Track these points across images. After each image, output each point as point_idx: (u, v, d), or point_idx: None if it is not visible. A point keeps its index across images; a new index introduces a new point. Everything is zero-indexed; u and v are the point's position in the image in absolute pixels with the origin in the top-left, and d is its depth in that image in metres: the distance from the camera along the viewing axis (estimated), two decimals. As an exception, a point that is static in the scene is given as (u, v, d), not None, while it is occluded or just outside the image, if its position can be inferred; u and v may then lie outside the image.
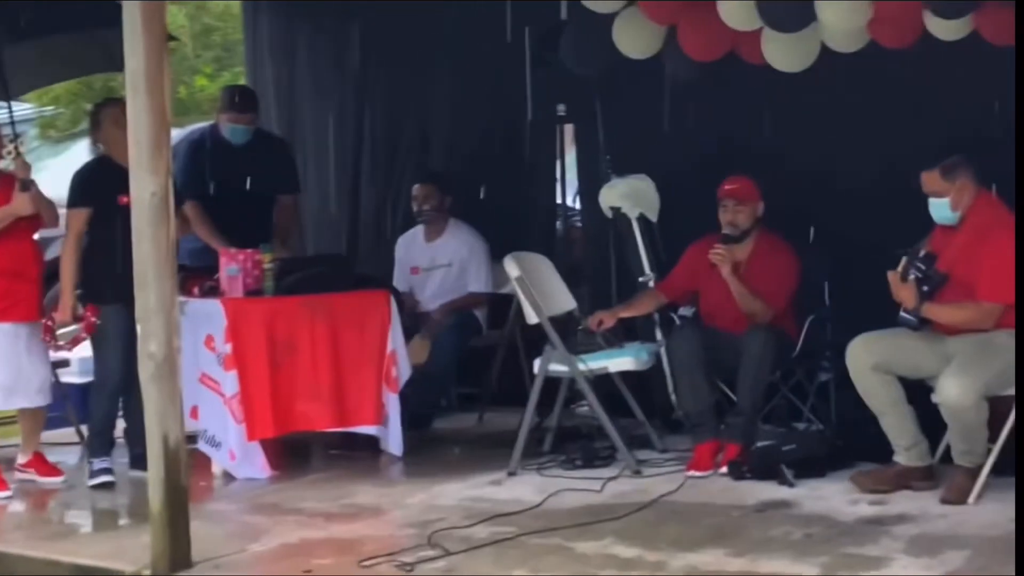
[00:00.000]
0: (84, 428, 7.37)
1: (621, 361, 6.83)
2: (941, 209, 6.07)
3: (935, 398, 5.88)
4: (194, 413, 6.74)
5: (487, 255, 8.05)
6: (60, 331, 7.06)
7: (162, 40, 5.32)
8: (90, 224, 6.78)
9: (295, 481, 6.77)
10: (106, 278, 6.60)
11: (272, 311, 6.89)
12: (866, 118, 7.20)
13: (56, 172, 9.14)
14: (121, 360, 6.61)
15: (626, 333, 7.26)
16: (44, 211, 6.83)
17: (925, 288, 6.01)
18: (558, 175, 8.20)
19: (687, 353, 6.73)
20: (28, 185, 6.79)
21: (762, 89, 7.32)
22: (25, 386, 6.81)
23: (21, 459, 7.00)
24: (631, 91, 7.78)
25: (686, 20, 6.88)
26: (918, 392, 6.10)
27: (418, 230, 8.29)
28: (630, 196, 7.49)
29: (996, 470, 5.92)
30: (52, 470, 6.97)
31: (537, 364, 6.81)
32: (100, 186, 6.72)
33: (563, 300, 7.12)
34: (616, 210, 7.53)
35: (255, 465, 6.79)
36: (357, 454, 7.20)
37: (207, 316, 6.83)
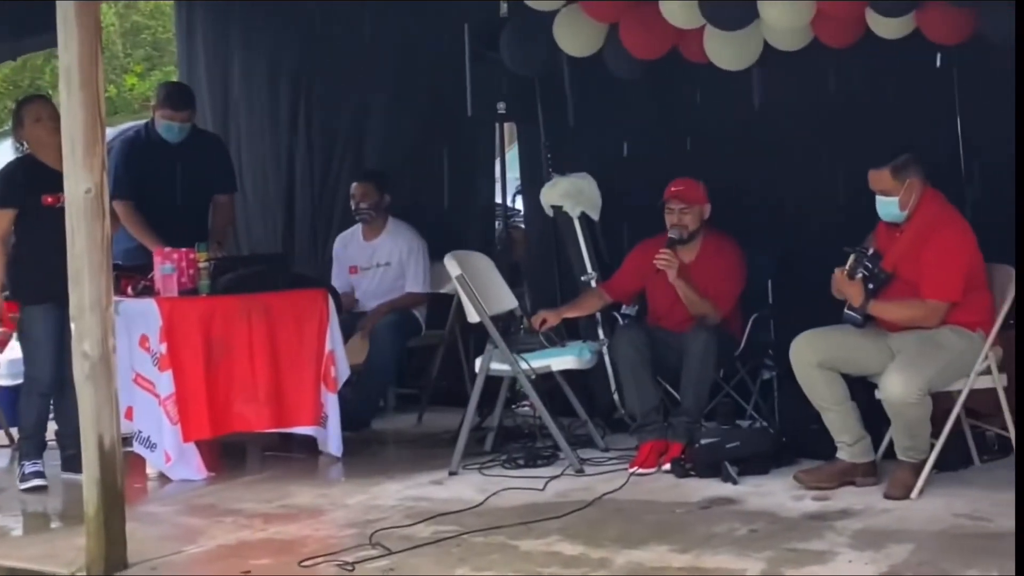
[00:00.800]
0: (14, 431, 7.24)
1: (563, 360, 6.78)
2: (889, 207, 6.07)
3: (879, 394, 5.88)
4: (128, 414, 6.61)
5: (426, 254, 7.98)
6: (-13, 334, 6.94)
7: (96, 35, 5.24)
8: (16, 224, 6.64)
9: (232, 482, 6.66)
10: (35, 278, 6.49)
11: (208, 311, 6.78)
12: (809, 117, 7.20)
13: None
14: (52, 362, 6.53)
15: (569, 332, 7.22)
16: None
17: (871, 286, 6.01)
18: (498, 174, 8.11)
19: (631, 353, 6.70)
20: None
21: (705, 87, 7.31)
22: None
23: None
24: (573, 89, 7.75)
25: (628, 18, 6.86)
26: (861, 388, 6.10)
27: (356, 229, 8.20)
28: (572, 195, 7.44)
29: (939, 465, 5.97)
30: (-18, 474, 6.84)
31: (478, 363, 6.74)
32: (25, 186, 6.60)
33: (504, 299, 7.05)
34: (557, 209, 7.48)
35: (191, 466, 6.69)
36: (295, 455, 7.13)
37: (141, 316, 6.72)
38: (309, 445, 7.10)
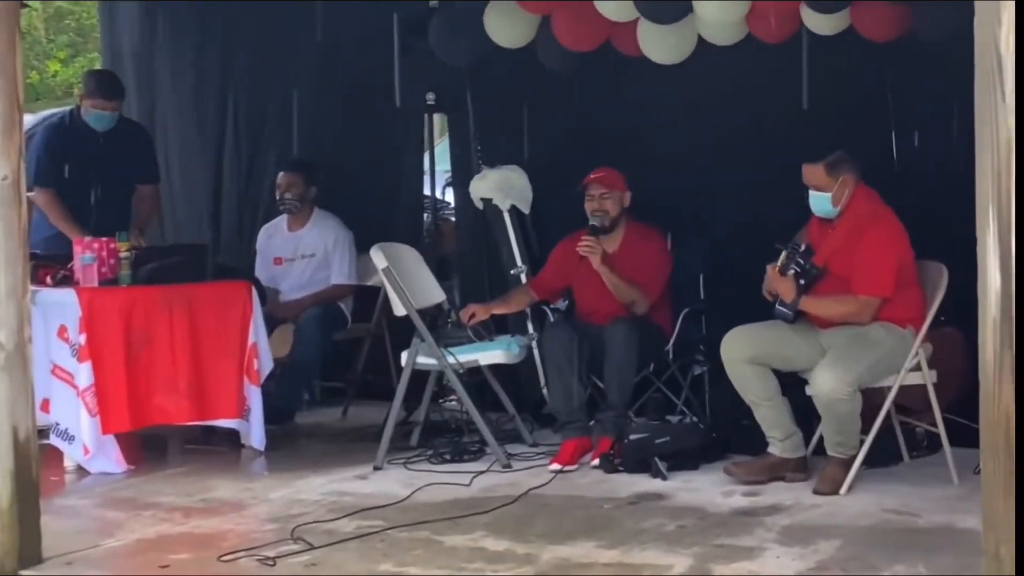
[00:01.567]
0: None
1: (491, 354, 6.69)
2: (822, 203, 6.04)
3: (809, 390, 5.85)
4: (45, 406, 6.47)
5: (352, 246, 7.87)
6: None
7: (14, 19, 5.08)
8: None
9: (152, 475, 6.53)
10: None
11: (128, 301, 6.65)
12: (741, 111, 7.18)
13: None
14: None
15: (498, 326, 7.14)
16: None
17: (802, 282, 5.99)
18: (426, 165, 8.02)
19: (559, 350, 6.63)
20: None
21: (637, 80, 7.27)
22: None
23: None
24: (503, 80, 7.68)
25: (560, 10, 6.81)
26: (792, 384, 6.06)
27: (281, 220, 8.08)
28: (501, 187, 7.39)
29: (868, 461, 5.96)
30: None
31: (404, 357, 6.64)
32: None
33: (431, 292, 6.96)
34: (487, 201, 7.42)
35: (110, 459, 6.56)
36: (217, 448, 7.01)
37: (60, 306, 6.59)
38: (232, 438, 7.00)
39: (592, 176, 6.87)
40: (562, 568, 4.89)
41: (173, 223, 9.02)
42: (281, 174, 8.07)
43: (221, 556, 5.08)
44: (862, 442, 5.88)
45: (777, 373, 6.05)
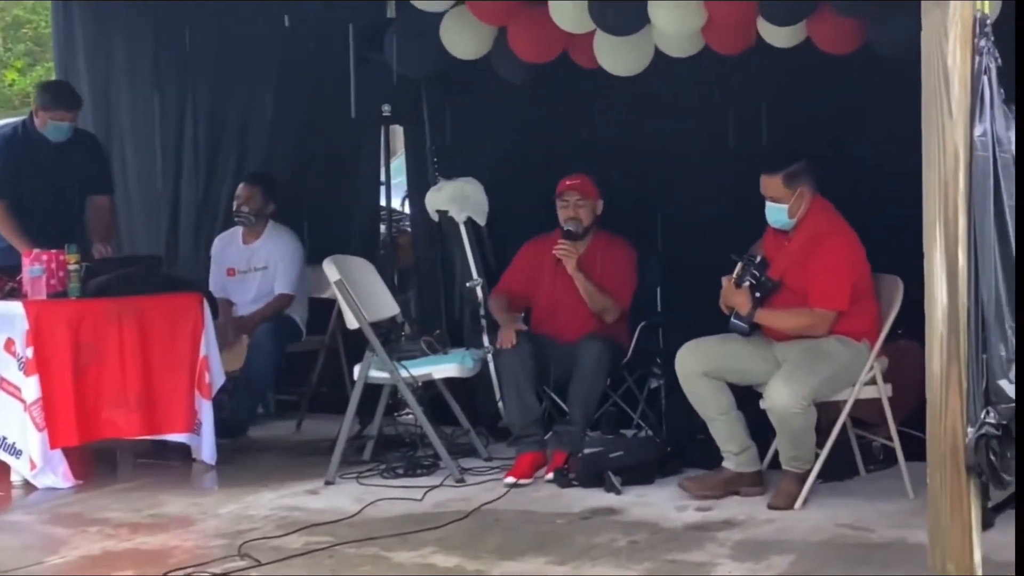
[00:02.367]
0: None
1: (445, 368, 6.64)
2: (778, 214, 6.01)
3: (763, 404, 5.81)
4: (-8, 420, 6.39)
5: (298, 257, 7.79)
6: None
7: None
8: None
9: (100, 490, 6.45)
10: None
11: (77, 314, 6.58)
12: (699, 123, 7.15)
13: None
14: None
15: (453, 339, 7.08)
16: None
17: (757, 295, 5.95)
18: (383, 177, 7.95)
19: (515, 364, 6.58)
20: None
21: (594, 93, 7.23)
22: None
23: None
24: (459, 92, 7.63)
25: (516, 21, 6.77)
26: (747, 397, 6.02)
27: (236, 231, 8.00)
28: (457, 199, 7.31)
29: (824, 475, 5.94)
30: None
31: (357, 370, 6.57)
32: None
33: (385, 305, 6.90)
34: (443, 214, 7.35)
35: (57, 474, 6.47)
36: (169, 463, 6.93)
37: (8, 319, 6.51)
38: (185, 453, 6.93)
39: (567, 183, 6.83)
40: (512, 584, 4.85)
41: (130, 235, 8.92)
42: (241, 185, 7.99)
43: (167, 573, 5.01)
44: (817, 456, 5.84)
45: (732, 387, 6.01)
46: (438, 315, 7.70)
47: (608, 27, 6.47)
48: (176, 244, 8.80)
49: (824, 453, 5.85)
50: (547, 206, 6.94)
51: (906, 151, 6.50)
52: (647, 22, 6.37)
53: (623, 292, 6.80)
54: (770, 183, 6.01)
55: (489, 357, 6.91)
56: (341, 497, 6.14)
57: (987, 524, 4.76)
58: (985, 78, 3.69)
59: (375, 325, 6.58)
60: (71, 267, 6.65)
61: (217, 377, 6.84)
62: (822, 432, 5.88)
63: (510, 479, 6.29)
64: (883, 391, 5.91)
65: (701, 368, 5.96)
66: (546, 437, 6.54)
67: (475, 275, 7.24)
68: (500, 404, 6.92)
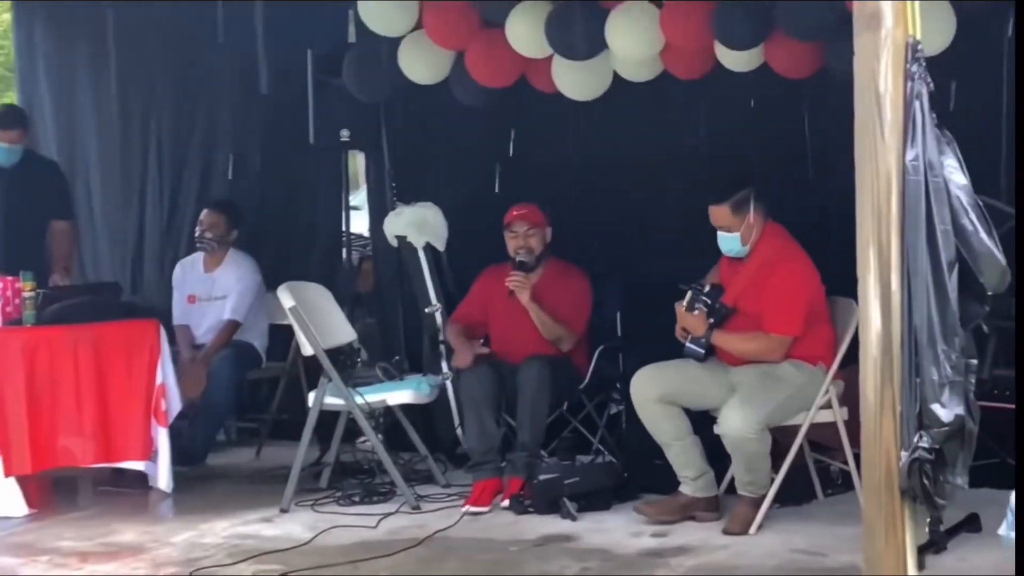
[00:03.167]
0: None
1: (400, 394, 6.60)
2: (731, 243, 5.99)
3: (717, 429, 5.79)
4: (-56, 448, 6.34)
5: (254, 285, 7.71)
6: None
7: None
8: None
9: (55, 519, 6.40)
10: None
11: (32, 342, 6.54)
12: (657, 148, 7.15)
13: None
14: None
15: (412, 365, 7.05)
16: None
17: (712, 320, 5.93)
18: (343, 202, 7.93)
19: (475, 389, 6.55)
20: None
21: (552, 117, 7.23)
22: None
23: None
24: (418, 117, 7.62)
25: (474, 46, 6.76)
26: (704, 422, 6.00)
27: (198, 256, 7.95)
28: (416, 224, 7.30)
29: (782, 500, 5.92)
30: None
31: (311, 397, 6.54)
32: None
33: (341, 331, 6.87)
34: (402, 239, 7.33)
35: (11, 502, 6.41)
36: (126, 491, 6.87)
37: (-39, 347, 6.46)
38: (144, 480, 6.86)
39: (515, 213, 6.80)
40: (460, 613, 4.83)
41: (94, 260, 8.89)
42: (205, 212, 7.94)
43: (113, 603, 4.99)
44: (772, 480, 5.82)
45: (689, 412, 5.99)
46: (398, 341, 7.67)
47: (565, 52, 6.47)
48: (141, 270, 8.76)
49: (780, 477, 5.82)
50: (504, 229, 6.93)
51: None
52: (605, 47, 6.37)
53: (578, 321, 6.77)
54: (718, 213, 5.99)
55: (448, 383, 6.89)
56: (295, 525, 6.10)
57: (940, 548, 4.77)
58: (917, 103, 3.68)
59: (331, 351, 6.55)
60: (26, 294, 6.62)
61: (174, 404, 6.80)
62: (781, 456, 5.86)
63: (467, 508, 6.26)
64: (839, 415, 5.90)
65: (656, 394, 5.94)
66: (502, 464, 6.50)
67: (433, 300, 7.23)
68: (459, 430, 6.90)
